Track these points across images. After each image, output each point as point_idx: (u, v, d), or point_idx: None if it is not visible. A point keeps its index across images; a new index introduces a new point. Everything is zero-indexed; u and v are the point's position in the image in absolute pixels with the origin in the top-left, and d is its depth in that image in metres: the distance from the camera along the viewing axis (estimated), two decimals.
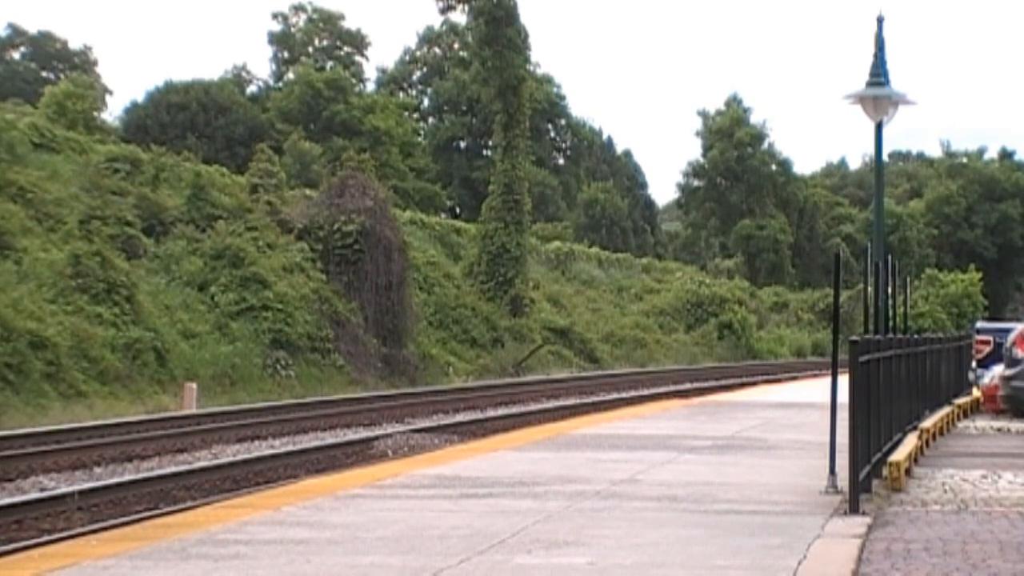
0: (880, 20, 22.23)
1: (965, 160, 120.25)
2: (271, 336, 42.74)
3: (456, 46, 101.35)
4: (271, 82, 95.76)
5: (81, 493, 18.25)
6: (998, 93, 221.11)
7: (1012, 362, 24.02)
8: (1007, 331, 26.66)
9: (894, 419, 15.97)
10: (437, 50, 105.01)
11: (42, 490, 19.39)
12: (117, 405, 33.82)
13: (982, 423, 24.07)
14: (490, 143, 76.25)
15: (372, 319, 47.95)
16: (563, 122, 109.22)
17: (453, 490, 13.33)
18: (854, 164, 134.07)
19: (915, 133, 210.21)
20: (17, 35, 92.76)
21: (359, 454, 25.12)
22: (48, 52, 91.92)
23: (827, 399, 13.55)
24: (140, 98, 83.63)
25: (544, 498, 12.71)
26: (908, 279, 24.66)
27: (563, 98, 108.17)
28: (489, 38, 63.12)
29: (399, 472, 15.08)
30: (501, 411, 36.73)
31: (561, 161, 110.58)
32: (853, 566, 9.46)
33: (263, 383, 40.91)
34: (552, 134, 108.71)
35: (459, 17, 76.98)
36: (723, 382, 51.66)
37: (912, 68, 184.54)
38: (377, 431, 29.27)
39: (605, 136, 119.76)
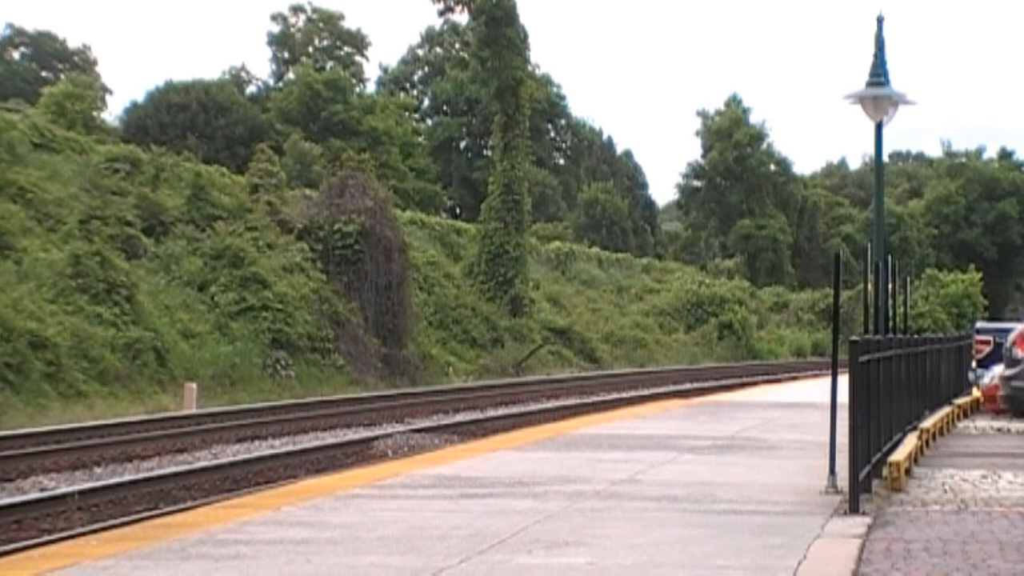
0: (880, 20, 22.24)
1: (964, 160, 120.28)
2: (271, 336, 42.74)
3: (457, 46, 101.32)
4: (271, 82, 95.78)
5: (81, 493, 18.24)
6: (998, 93, 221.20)
7: (1012, 362, 24.01)
8: (1007, 331, 26.65)
9: (894, 419, 15.97)
10: (439, 50, 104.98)
11: (42, 490, 19.38)
12: (117, 405, 33.80)
13: (982, 423, 24.07)
14: (490, 143, 76.26)
15: (372, 319, 47.94)
16: (563, 122, 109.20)
17: (453, 490, 13.32)
18: (854, 164, 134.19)
19: (915, 133, 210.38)
20: (17, 35, 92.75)
21: (359, 454, 25.11)
22: (48, 52, 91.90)
23: (827, 399, 13.55)
24: (140, 98, 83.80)
25: (544, 498, 12.70)
26: (908, 279, 24.64)
27: (563, 98, 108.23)
28: (489, 38, 63.05)
29: (399, 472, 15.08)
30: (501, 411, 36.72)
31: (561, 161, 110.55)
32: (853, 566, 9.46)
33: (263, 383, 40.90)
34: (552, 134, 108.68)
35: (459, 18, 77.03)
36: (723, 382, 51.65)
37: (912, 68, 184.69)
38: (377, 431, 29.26)
39: (605, 136, 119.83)
